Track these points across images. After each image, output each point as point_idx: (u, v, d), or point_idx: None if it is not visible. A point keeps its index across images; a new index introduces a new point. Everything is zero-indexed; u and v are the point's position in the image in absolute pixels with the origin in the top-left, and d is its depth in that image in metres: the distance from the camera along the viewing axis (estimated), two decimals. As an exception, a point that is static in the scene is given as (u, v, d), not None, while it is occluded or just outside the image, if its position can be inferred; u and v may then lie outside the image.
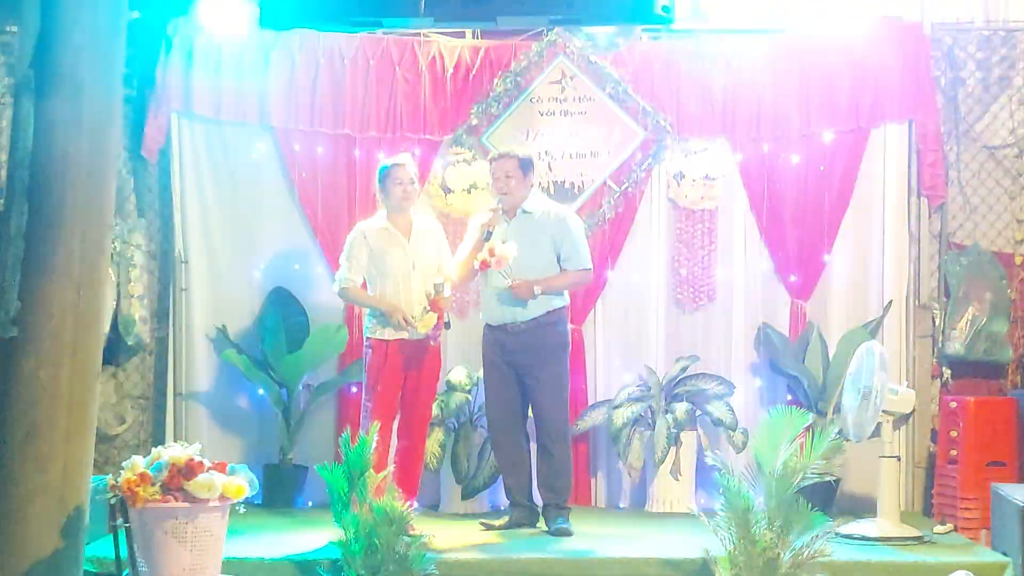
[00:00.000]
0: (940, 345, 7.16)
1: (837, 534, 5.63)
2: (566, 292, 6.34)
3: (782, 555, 4.99)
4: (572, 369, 6.93)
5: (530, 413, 6.34)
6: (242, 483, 4.95)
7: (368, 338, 6.14)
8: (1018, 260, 7.23)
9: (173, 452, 4.93)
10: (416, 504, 6.21)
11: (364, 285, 6.20)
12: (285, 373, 7.02)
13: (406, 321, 5.96)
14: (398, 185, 6.11)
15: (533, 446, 6.36)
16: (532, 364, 6.17)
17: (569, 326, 6.49)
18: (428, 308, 5.99)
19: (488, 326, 6.28)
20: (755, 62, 7.23)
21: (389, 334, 6.04)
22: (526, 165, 6.26)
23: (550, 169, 7.29)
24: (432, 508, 6.92)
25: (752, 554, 4.99)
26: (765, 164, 7.26)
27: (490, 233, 6.15)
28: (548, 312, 6.18)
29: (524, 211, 6.25)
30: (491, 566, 5.41)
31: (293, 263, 7.31)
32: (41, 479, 4.10)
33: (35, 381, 4.11)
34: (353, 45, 7.26)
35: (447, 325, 6.18)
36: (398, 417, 6.15)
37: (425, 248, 6.15)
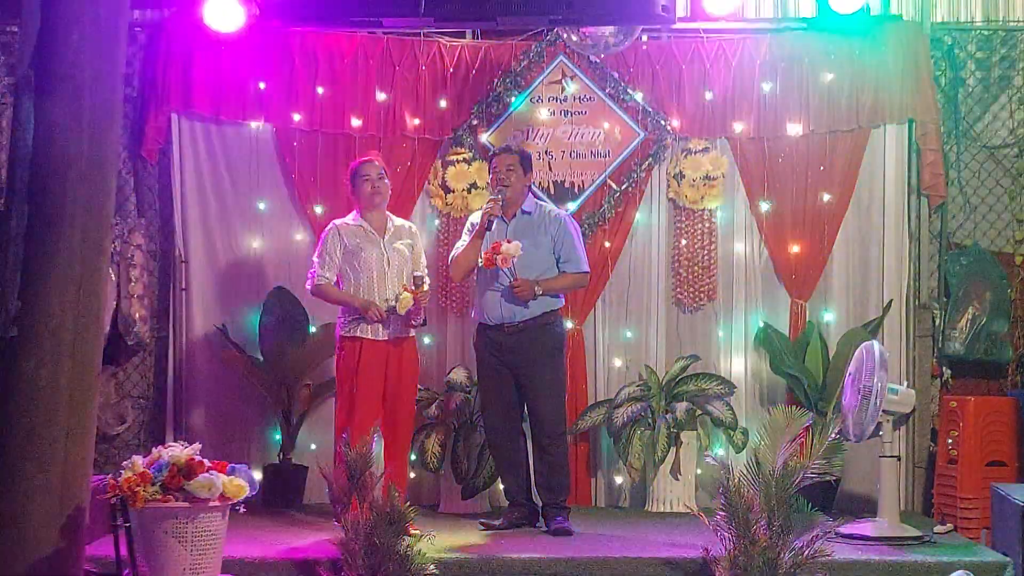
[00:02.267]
0: (940, 345, 7.16)
1: (837, 534, 5.62)
2: (562, 294, 6.35)
3: (782, 555, 4.99)
4: (572, 369, 6.95)
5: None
6: (242, 483, 4.96)
7: (341, 337, 6.11)
8: (1018, 260, 7.24)
9: (173, 452, 4.94)
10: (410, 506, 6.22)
11: (339, 283, 6.18)
12: (285, 373, 7.02)
13: (380, 315, 5.95)
14: (366, 181, 6.11)
15: (531, 446, 6.37)
16: (528, 364, 6.17)
17: (565, 326, 6.49)
18: (402, 290, 5.97)
19: (483, 325, 6.28)
20: (755, 62, 7.23)
21: (362, 332, 6.02)
22: (526, 161, 6.30)
23: (550, 169, 7.30)
24: (432, 508, 6.92)
25: (752, 554, 4.98)
26: (765, 164, 7.26)
27: (491, 222, 6.16)
28: (545, 313, 6.19)
29: (523, 211, 6.26)
30: (491, 566, 5.41)
31: (293, 263, 7.31)
32: (41, 479, 4.10)
33: (35, 381, 4.11)
34: (353, 45, 7.26)
35: (423, 322, 6.16)
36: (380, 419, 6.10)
37: (400, 247, 6.14)
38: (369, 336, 6.01)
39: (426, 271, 6.27)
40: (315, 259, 6.16)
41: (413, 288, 6.00)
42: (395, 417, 6.07)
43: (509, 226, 6.24)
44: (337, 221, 6.24)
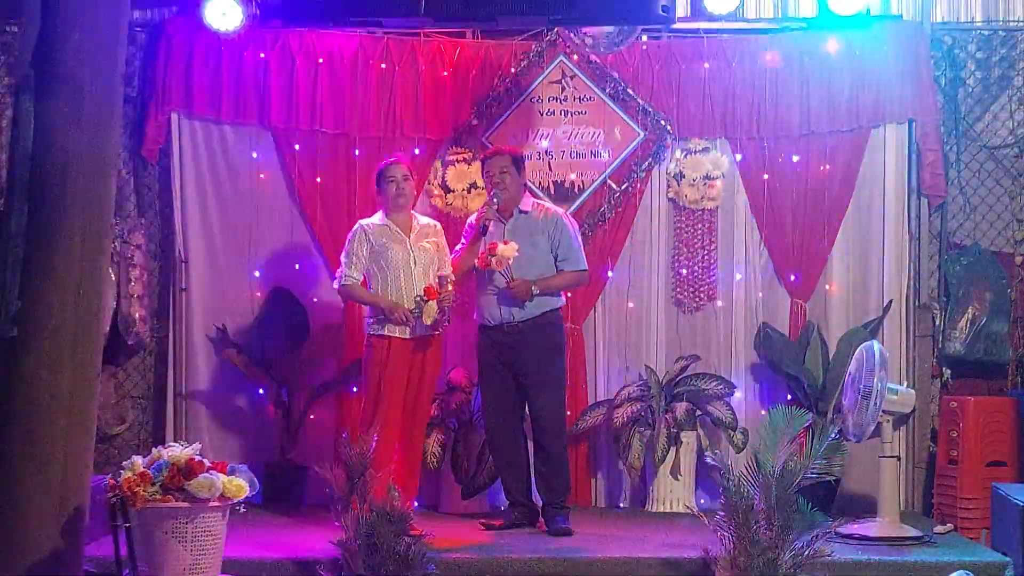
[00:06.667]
0: (940, 345, 7.16)
1: (837, 534, 5.63)
2: (562, 292, 6.35)
3: (782, 555, 4.99)
4: (572, 369, 6.95)
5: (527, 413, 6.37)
6: (242, 483, 4.96)
7: (369, 335, 6.13)
8: (1018, 260, 7.24)
9: (173, 452, 4.94)
10: (416, 504, 6.22)
11: (365, 283, 6.20)
12: (285, 373, 7.02)
13: (406, 317, 5.97)
14: (391, 183, 6.14)
15: (531, 446, 6.37)
16: (529, 364, 6.17)
17: (565, 326, 6.49)
18: (425, 297, 5.97)
19: (484, 327, 6.28)
20: (755, 62, 7.23)
21: (390, 331, 6.04)
22: (519, 162, 6.31)
23: (550, 169, 7.30)
24: (432, 508, 6.92)
25: (752, 554, 4.99)
26: (765, 164, 7.26)
27: (486, 227, 6.17)
28: (545, 312, 6.19)
29: (520, 211, 6.27)
30: (491, 566, 5.42)
31: (293, 263, 7.31)
32: (41, 479, 4.10)
33: (35, 381, 4.11)
34: (353, 45, 7.26)
35: (447, 321, 6.17)
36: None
37: (425, 245, 6.17)
38: (397, 335, 6.03)
39: (451, 271, 6.26)
40: (342, 259, 6.18)
41: (437, 287, 6.00)
42: (412, 415, 6.10)
43: (506, 226, 6.24)
44: (363, 221, 6.26)
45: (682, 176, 7.25)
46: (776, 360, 7.10)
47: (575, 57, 7.27)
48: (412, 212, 6.30)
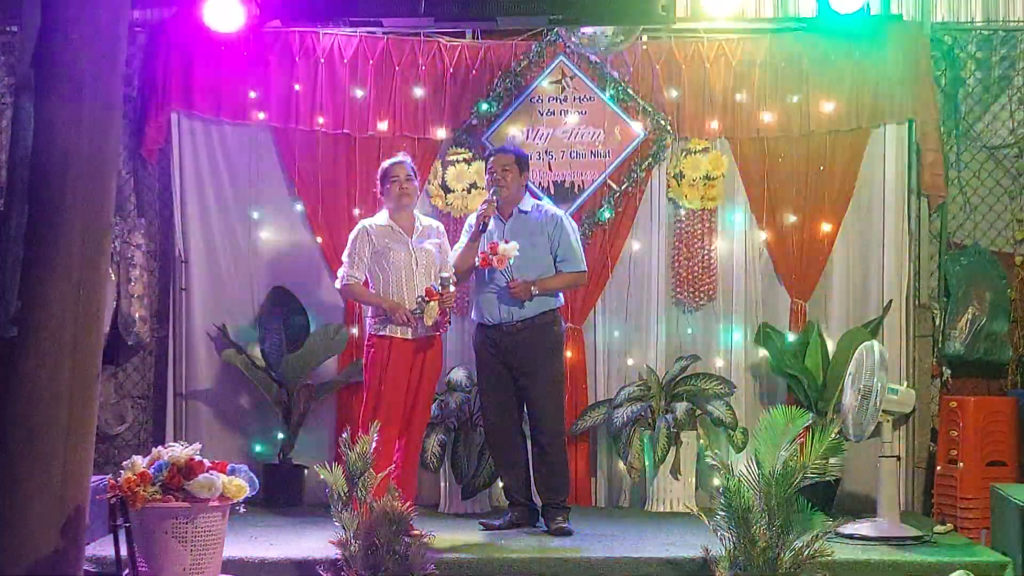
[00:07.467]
0: (940, 345, 7.16)
1: (837, 534, 5.63)
2: (561, 293, 6.35)
3: (782, 555, 4.99)
4: (572, 369, 6.95)
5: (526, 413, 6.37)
6: (242, 483, 4.96)
7: (370, 335, 6.13)
8: (1018, 260, 7.24)
9: (173, 452, 4.94)
10: (416, 504, 6.22)
11: (367, 283, 6.19)
12: (285, 373, 7.03)
13: (408, 318, 5.96)
14: (394, 182, 6.12)
15: (530, 446, 6.37)
16: (527, 364, 6.17)
17: (563, 326, 6.49)
18: (426, 298, 5.97)
19: (481, 326, 6.28)
20: (755, 62, 7.23)
21: (392, 331, 6.03)
22: (522, 162, 6.30)
23: (550, 169, 7.30)
24: (432, 508, 6.92)
25: (752, 554, 4.99)
26: (765, 164, 7.26)
27: (486, 225, 6.17)
28: (543, 312, 6.19)
29: (520, 211, 6.26)
30: (491, 566, 5.42)
31: (293, 263, 7.31)
32: (41, 479, 4.09)
33: (35, 381, 4.10)
34: (353, 45, 7.26)
35: (449, 322, 6.17)
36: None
37: (428, 246, 6.16)
38: (399, 335, 6.02)
39: (453, 271, 6.26)
40: (344, 259, 6.16)
41: (440, 288, 5.99)
42: (412, 416, 6.08)
43: (506, 226, 6.24)
44: (365, 221, 6.24)
45: (682, 176, 7.26)
46: (776, 360, 7.11)
47: (575, 57, 7.27)
48: (415, 212, 6.29)
